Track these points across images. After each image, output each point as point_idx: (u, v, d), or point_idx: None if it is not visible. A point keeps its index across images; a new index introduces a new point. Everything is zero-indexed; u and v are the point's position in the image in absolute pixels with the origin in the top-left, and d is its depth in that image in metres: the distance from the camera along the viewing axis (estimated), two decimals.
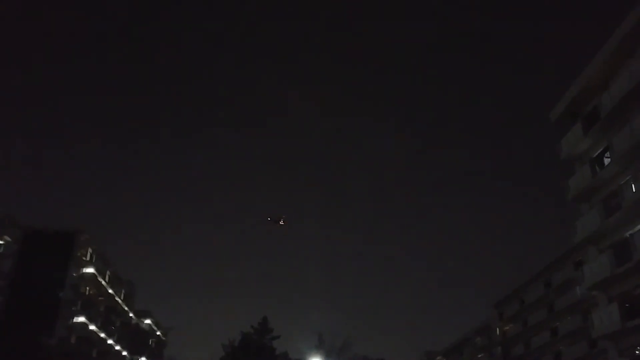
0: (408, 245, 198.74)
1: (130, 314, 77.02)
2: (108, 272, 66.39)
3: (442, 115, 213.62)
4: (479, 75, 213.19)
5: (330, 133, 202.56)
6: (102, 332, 63.86)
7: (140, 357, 76.58)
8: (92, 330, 61.05)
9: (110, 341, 66.51)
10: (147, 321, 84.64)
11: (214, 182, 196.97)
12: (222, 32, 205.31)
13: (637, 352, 28.41)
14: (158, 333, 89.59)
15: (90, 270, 60.91)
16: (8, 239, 57.82)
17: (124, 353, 71.69)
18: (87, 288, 62.93)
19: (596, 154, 32.75)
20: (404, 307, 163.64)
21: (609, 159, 30.97)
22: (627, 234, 28.74)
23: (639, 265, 27.14)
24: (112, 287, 67.02)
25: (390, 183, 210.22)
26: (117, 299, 69.69)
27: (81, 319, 59.06)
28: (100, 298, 66.01)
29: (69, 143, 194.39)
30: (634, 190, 27.89)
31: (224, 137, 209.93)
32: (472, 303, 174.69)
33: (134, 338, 75.54)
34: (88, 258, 61.81)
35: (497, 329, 70.53)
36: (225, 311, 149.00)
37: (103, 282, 63.95)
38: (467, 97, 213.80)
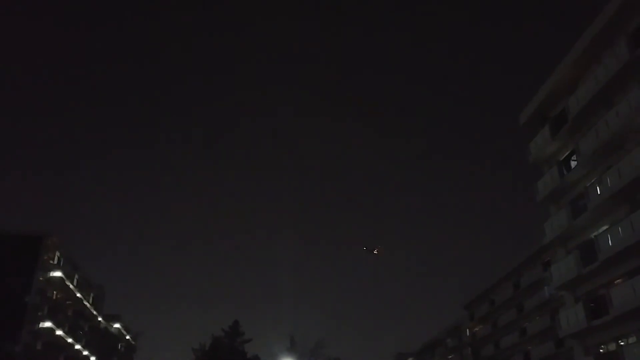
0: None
1: (99, 318, 75.46)
2: (76, 276, 64.90)
3: (411, 119, 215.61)
4: (457, 78, 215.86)
5: (298, 133, 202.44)
6: (70, 337, 62.35)
7: None
8: (59, 336, 59.56)
9: (78, 346, 65.01)
10: (117, 325, 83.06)
11: (185, 186, 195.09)
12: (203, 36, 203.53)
13: (601, 350, 29.04)
14: (127, 337, 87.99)
15: (57, 274, 59.43)
16: None
17: (93, 358, 70.15)
18: (55, 292, 61.36)
19: (563, 156, 33.45)
20: (376, 309, 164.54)
21: (576, 162, 31.63)
22: (593, 235, 29.38)
23: (603, 266, 27.76)
24: (80, 291, 65.48)
25: (358, 186, 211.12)
26: (85, 303, 68.14)
27: (48, 324, 57.56)
28: (68, 302, 64.43)
29: (39, 148, 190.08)
30: (598, 193, 28.49)
31: (191, 144, 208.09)
32: (444, 304, 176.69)
33: (103, 343, 73.96)
34: (56, 262, 60.29)
35: (467, 330, 71.25)
36: (196, 315, 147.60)
37: (71, 286, 62.47)
38: (440, 99, 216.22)
